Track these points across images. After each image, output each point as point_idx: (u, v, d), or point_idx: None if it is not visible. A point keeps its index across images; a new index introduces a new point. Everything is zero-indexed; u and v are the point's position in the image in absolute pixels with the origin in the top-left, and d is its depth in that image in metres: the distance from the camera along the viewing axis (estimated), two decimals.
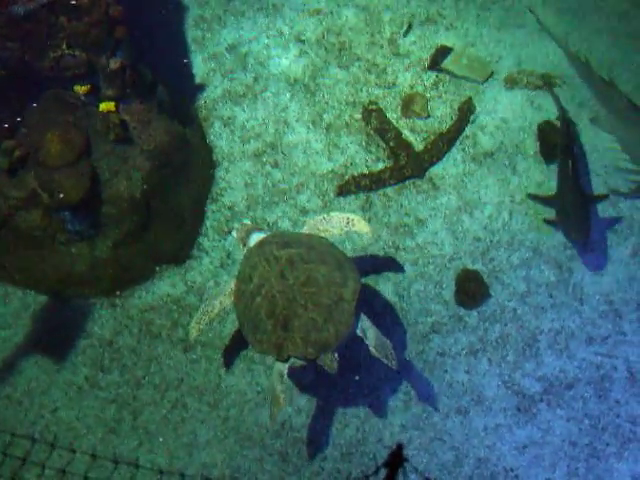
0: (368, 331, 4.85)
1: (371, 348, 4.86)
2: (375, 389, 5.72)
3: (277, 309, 4.69)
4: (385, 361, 4.88)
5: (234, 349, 5.79)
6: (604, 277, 6.00)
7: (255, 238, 5.24)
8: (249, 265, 4.93)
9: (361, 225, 5.29)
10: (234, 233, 5.50)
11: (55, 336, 5.88)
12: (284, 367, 4.81)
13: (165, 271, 6.06)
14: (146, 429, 5.64)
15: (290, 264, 4.75)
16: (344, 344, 4.83)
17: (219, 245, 6.13)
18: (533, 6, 6.87)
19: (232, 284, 5.15)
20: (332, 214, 5.37)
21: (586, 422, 5.63)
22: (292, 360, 4.80)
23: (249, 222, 5.60)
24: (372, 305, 5.91)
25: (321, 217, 5.36)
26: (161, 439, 5.58)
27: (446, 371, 5.78)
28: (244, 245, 5.31)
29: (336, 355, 4.71)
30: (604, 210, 6.20)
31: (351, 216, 5.32)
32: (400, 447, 3.01)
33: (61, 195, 5.51)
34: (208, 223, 6.21)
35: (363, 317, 4.87)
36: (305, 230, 5.31)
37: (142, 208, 5.86)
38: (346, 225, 5.24)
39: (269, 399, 5.04)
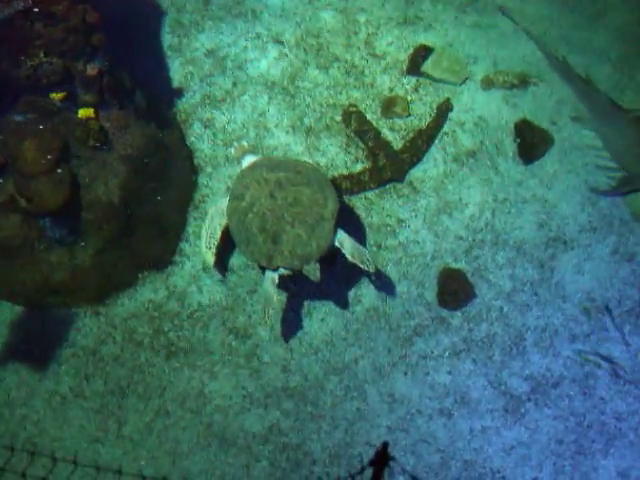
0: (345, 242, 5.48)
1: (348, 256, 5.48)
2: (362, 392, 5.71)
3: (267, 225, 5.34)
4: (362, 266, 5.48)
5: (222, 261, 6.01)
6: (585, 275, 6.02)
7: (248, 160, 5.84)
8: (242, 185, 5.53)
9: None
10: (232, 150, 6.14)
11: (36, 345, 5.81)
12: (275, 274, 5.45)
13: (147, 277, 6.02)
14: (131, 438, 5.59)
15: (279, 186, 5.39)
16: (325, 256, 5.46)
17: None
18: (506, 7, 6.87)
19: (224, 204, 5.66)
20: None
21: (572, 420, 5.65)
22: (280, 270, 5.42)
23: (246, 144, 6.08)
24: (354, 312, 5.92)
25: None
26: (145, 452, 5.56)
27: (428, 373, 5.78)
28: (238, 162, 5.95)
29: (318, 265, 5.37)
30: (584, 209, 6.23)
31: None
32: (385, 446, 3.01)
33: (39, 202, 5.45)
34: (190, 229, 6.17)
35: (340, 231, 5.48)
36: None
37: (121, 214, 5.81)
38: None
39: (262, 303, 5.57)
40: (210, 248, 5.75)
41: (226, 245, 5.81)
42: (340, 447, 5.58)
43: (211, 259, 5.78)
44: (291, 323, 5.90)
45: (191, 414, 5.67)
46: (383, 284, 5.99)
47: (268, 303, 5.48)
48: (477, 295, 5.96)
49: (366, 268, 5.48)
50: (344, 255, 5.51)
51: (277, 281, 5.46)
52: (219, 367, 5.80)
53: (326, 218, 5.38)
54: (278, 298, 5.54)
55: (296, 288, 5.93)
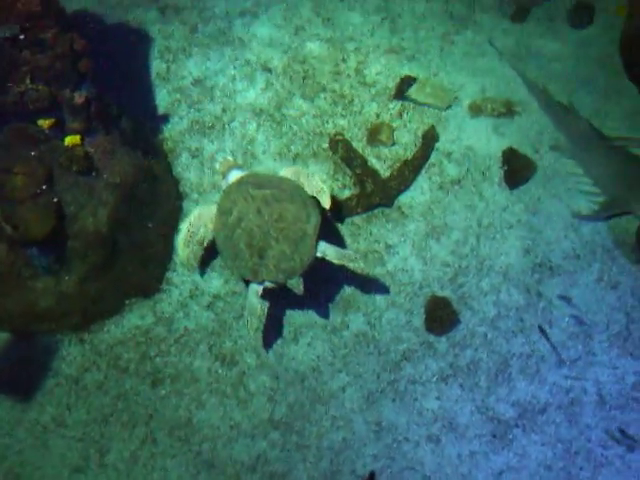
0: (327, 251, 5.66)
1: (334, 261, 5.65)
2: (349, 421, 5.68)
3: (254, 241, 5.48)
4: (351, 265, 5.67)
5: (202, 259, 6.04)
6: (572, 300, 6.05)
7: (234, 174, 5.92)
8: (229, 200, 5.65)
9: (324, 199, 5.83)
10: (217, 165, 6.13)
11: (20, 374, 5.73)
12: (259, 287, 5.63)
13: (134, 304, 5.98)
14: (115, 467, 5.52)
15: (265, 202, 5.54)
16: (309, 269, 5.60)
17: (188, 279, 6.09)
18: (493, 37, 7.01)
19: (212, 210, 5.73)
20: (315, 176, 5.92)
21: (559, 447, 5.65)
22: (265, 283, 5.59)
23: (231, 158, 6.14)
24: (342, 337, 5.91)
25: (306, 172, 5.93)
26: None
27: (416, 399, 5.77)
28: (223, 177, 6.00)
29: (301, 280, 5.56)
30: (567, 235, 6.29)
31: (324, 188, 5.87)
32: (372, 475, 3.00)
33: (25, 230, 5.41)
34: (176, 259, 6.13)
35: (321, 242, 5.65)
36: (284, 172, 5.93)
37: (107, 242, 5.77)
38: (317, 192, 5.83)
39: (247, 314, 5.70)
40: (188, 246, 5.83)
41: (211, 250, 5.86)
42: (326, 476, 5.53)
43: (185, 256, 5.85)
44: (277, 348, 5.88)
45: (180, 442, 5.61)
46: (372, 312, 6.01)
47: (252, 314, 5.66)
48: (461, 321, 5.98)
49: (355, 266, 5.67)
50: (331, 261, 5.64)
51: (261, 293, 5.62)
52: (206, 396, 5.75)
53: (308, 234, 5.53)
54: (262, 309, 5.67)
55: (280, 309, 5.99)
